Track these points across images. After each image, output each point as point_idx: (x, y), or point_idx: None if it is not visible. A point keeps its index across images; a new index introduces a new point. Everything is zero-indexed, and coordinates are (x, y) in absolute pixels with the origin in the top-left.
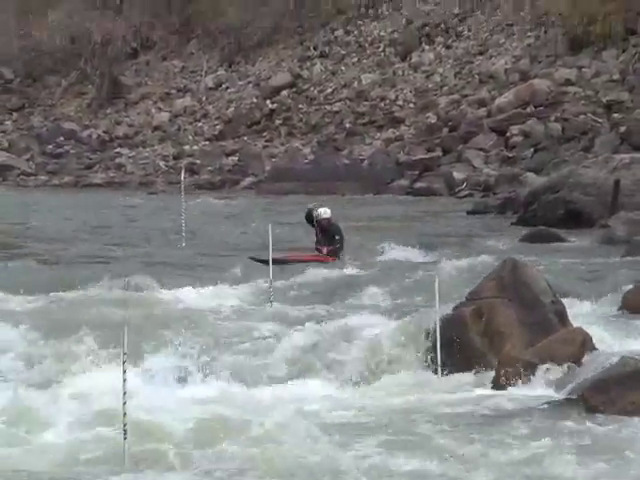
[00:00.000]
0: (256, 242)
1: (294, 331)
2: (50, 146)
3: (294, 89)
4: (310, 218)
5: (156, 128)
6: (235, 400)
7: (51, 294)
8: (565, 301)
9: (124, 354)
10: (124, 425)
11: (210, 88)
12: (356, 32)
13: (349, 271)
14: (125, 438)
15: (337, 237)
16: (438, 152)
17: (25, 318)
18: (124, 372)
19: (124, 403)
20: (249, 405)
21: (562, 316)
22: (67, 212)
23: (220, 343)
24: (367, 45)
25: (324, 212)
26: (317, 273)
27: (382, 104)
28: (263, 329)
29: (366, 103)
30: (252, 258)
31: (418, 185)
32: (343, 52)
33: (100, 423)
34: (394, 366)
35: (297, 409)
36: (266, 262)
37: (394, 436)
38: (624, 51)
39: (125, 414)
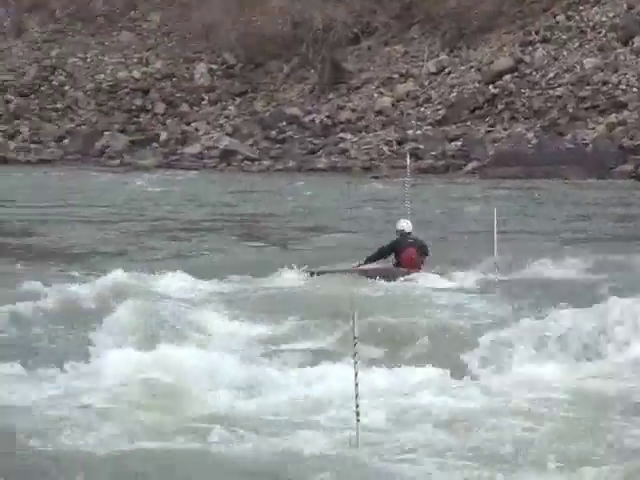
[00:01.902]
0: (478, 226)
1: (518, 317)
2: (273, 131)
3: (516, 74)
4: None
5: (379, 113)
6: (465, 382)
7: (276, 276)
8: None
9: (355, 338)
10: (357, 407)
11: (432, 73)
12: (577, 17)
13: (573, 258)
14: (358, 420)
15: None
16: None
17: (253, 300)
18: (355, 354)
19: (356, 384)
20: (479, 389)
21: None
22: (290, 196)
23: (446, 328)
24: (588, 30)
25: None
26: (541, 259)
27: (604, 88)
28: (488, 314)
29: (588, 88)
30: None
31: None
32: (564, 37)
33: (333, 405)
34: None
35: (531, 392)
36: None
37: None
38: None
39: (357, 396)
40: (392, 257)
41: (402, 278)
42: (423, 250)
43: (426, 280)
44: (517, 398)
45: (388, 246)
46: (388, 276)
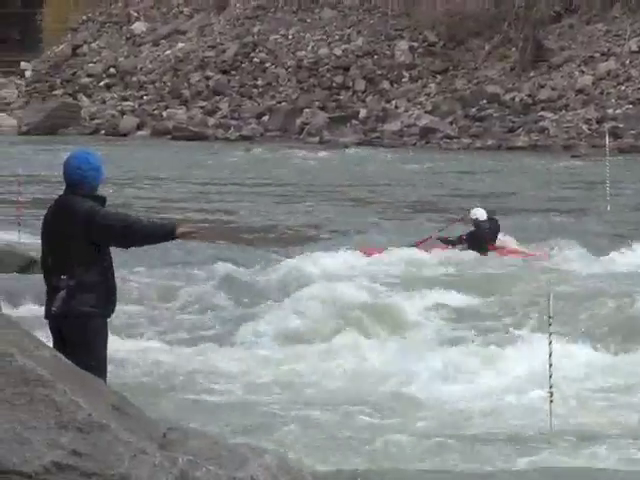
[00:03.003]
0: None
1: None
2: (473, 109)
3: None
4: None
5: (579, 91)
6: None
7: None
8: None
9: (550, 317)
10: (550, 388)
11: (633, 52)
12: None
13: None
14: (551, 401)
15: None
16: None
17: (444, 275)
18: (550, 335)
19: (550, 365)
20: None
21: None
22: (492, 174)
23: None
24: None
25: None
26: None
27: None
28: None
29: None
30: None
31: None
32: None
33: (526, 387)
34: None
35: None
36: None
37: None
38: None
39: (551, 377)
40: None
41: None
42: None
43: (623, 262)
44: None
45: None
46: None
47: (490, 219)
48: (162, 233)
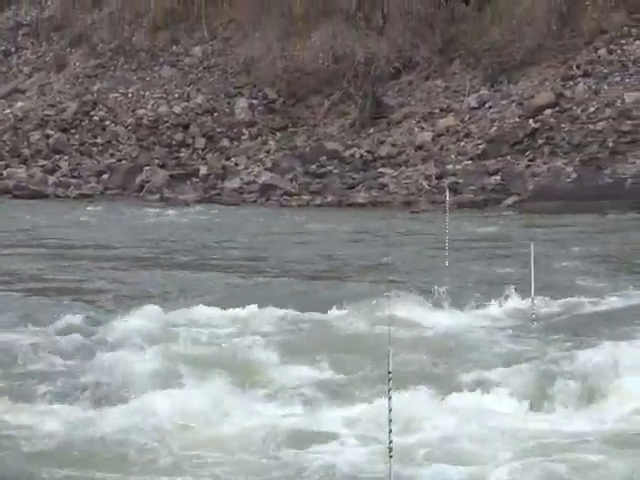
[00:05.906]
0: (515, 263)
1: (556, 354)
2: (313, 166)
3: (557, 108)
4: None
5: (419, 148)
6: (499, 419)
7: (310, 312)
8: None
9: (389, 373)
10: (389, 443)
11: (473, 107)
12: (619, 51)
13: (613, 295)
14: (390, 456)
15: None
16: None
17: (282, 335)
18: (389, 390)
19: (390, 420)
20: (517, 428)
21: None
22: (330, 232)
23: (481, 366)
24: (630, 64)
25: None
26: (580, 296)
27: None
28: (525, 350)
29: (629, 122)
30: None
31: None
32: (606, 71)
33: (365, 441)
34: None
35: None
36: None
37: None
38: None
39: (390, 431)
40: None
41: None
42: None
43: (460, 318)
44: (552, 437)
45: None
46: None
47: None
48: None
